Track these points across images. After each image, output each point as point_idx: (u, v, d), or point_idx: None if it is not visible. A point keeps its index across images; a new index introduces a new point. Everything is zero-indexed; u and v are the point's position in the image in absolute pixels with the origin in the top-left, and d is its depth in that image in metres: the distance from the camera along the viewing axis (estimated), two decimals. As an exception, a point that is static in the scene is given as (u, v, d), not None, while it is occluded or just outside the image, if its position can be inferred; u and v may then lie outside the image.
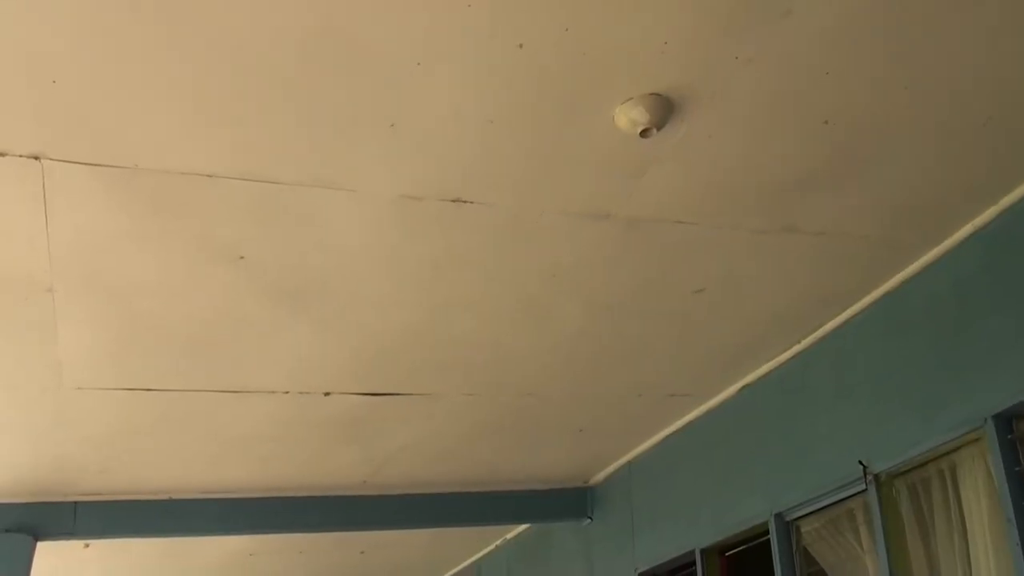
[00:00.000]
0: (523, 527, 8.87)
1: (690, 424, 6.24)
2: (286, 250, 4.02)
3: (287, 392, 5.43)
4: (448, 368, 5.31)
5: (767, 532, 5.33)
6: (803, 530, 5.19)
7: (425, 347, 5.01)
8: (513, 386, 5.63)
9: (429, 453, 6.63)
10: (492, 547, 9.65)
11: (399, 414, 5.84)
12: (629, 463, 7.03)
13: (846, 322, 4.90)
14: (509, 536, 9.23)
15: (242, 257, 4.05)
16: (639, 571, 6.67)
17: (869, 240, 4.26)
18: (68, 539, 6.81)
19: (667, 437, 6.51)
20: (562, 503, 7.63)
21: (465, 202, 3.74)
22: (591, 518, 7.54)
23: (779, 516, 5.25)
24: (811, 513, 5.10)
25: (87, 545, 7.68)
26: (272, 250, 4.01)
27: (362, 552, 9.65)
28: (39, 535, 6.48)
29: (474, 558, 10.14)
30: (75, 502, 6.65)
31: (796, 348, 5.24)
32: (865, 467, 4.62)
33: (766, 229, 4.09)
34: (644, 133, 3.28)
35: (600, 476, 7.46)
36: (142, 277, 4.19)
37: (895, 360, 4.56)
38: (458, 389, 5.60)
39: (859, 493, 4.72)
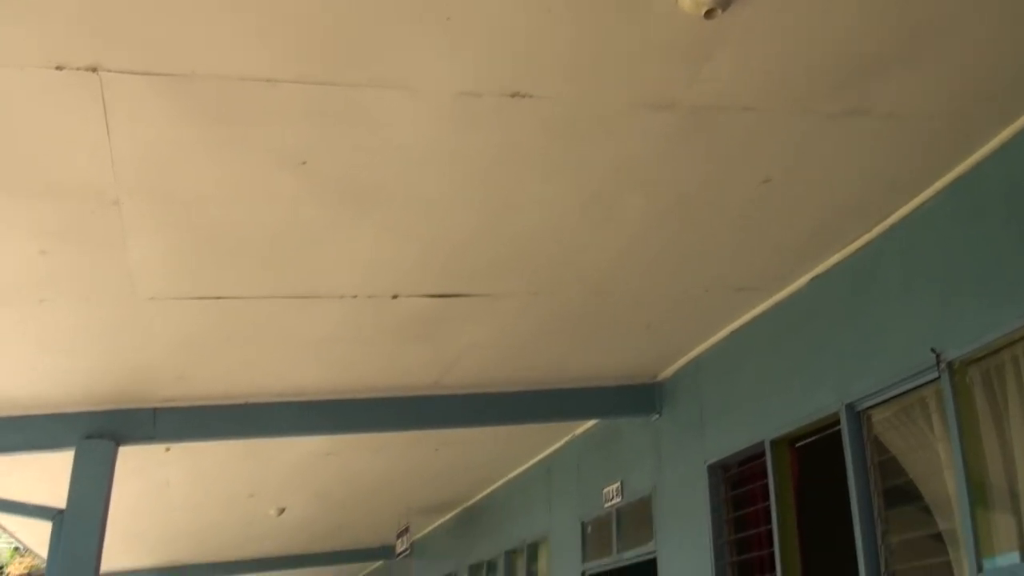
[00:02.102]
0: (592, 424, 8.96)
1: (758, 317, 6.19)
2: (347, 153, 4.00)
3: (355, 296, 5.48)
4: (513, 267, 5.30)
5: (838, 423, 5.31)
6: (874, 419, 5.15)
7: (489, 246, 5.00)
8: (578, 284, 5.61)
9: (498, 352, 6.68)
10: (562, 443, 9.78)
11: (466, 314, 5.88)
12: (697, 358, 7.02)
13: (918, 208, 4.78)
14: (578, 432, 9.33)
15: (304, 162, 4.05)
16: (708, 463, 6.71)
17: (942, 121, 4.12)
18: (149, 443, 7.04)
19: (735, 331, 6.47)
20: (630, 399, 7.67)
21: (524, 96, 3.67)
22: (660, 414, 7.57)
23: (850, 406, 5.22)
24: (883, 402, 5.06)
25: (168, 449, 7.93)
26: (333, 154, 4.00)
27: (436, 450, 9.85)
28: (121, 440, 6.71)
29: (544, 454, 10.29)
30: (154, 408, 6.85)
31: (866, 237, 5.13)
32: (938, 355, 4.55)
33: (834, 113, 3.97)
34: (709, 14, 3.18)
35: (668, 372, 7.47)
36: (206, 186, 4.22)
37: (968, 245, 4.45)
38: (524, 288, 5.60)
39: (932, 381, 4.66)
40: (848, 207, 4.86)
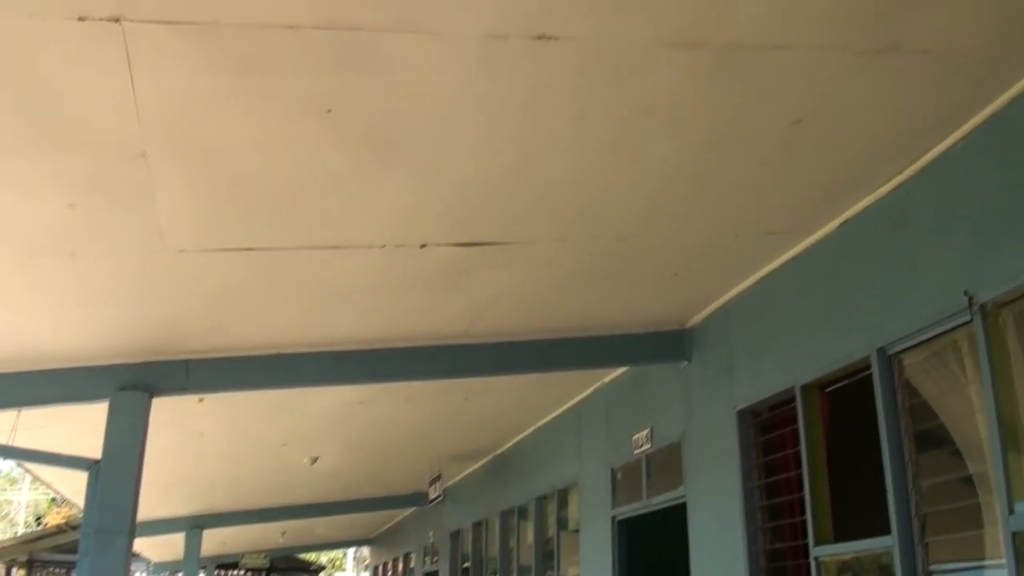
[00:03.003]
0: (621, 371, 8.97)
1: (789, 262, 6.13)
2: (373, 100, 3.98)
3: (383, 246, 5.48)
4: (541, 215, 5.27)
5: (869, 367, 5.28)
6: (905, 363, 5.12)
7: (516, 194, 4.97)
8: (607, 231, 5.58)
9: (526, 300, 6.68)
10: (591, 391, 9.81)
11: (494, 263, 5.87)
12: (726, 304, 6.99)
13: (950, 147, 4.70)
14: (607, 380, 9.35)
15: (329, 110, 4.03)
16: (738, 409, 6.71)
17: (975, 56, 4.02)
18: (182, 394, 7.12)
19: (765, 276, 6.43)
20: (659, 346, 7.67)
21: (550, 38, 3.61)
22: (689, 360, 7.57)
23: (881, 350, 5.18)
24: (914, 346, 5.02)
25: (201, 399, 8.03)
26: (359, 101, 3.98)
27: (466, 398, 9.90)
28: (154, 391, 6.80)
29: (573, 401, 10.33)
30: (187, 360, 6.91)
31: (898, 178, 5.06)
32: (971, 297, 4.50)
33: (866, 50, 3.88)
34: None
35: (697, 318, 7.45)
36: (232, 137, 4.21)
37: (1002, 184, 4.38)
38: (551, 236, 5.57)
39: (964, 324, 4.61)
40: (880, 147, 4.79)
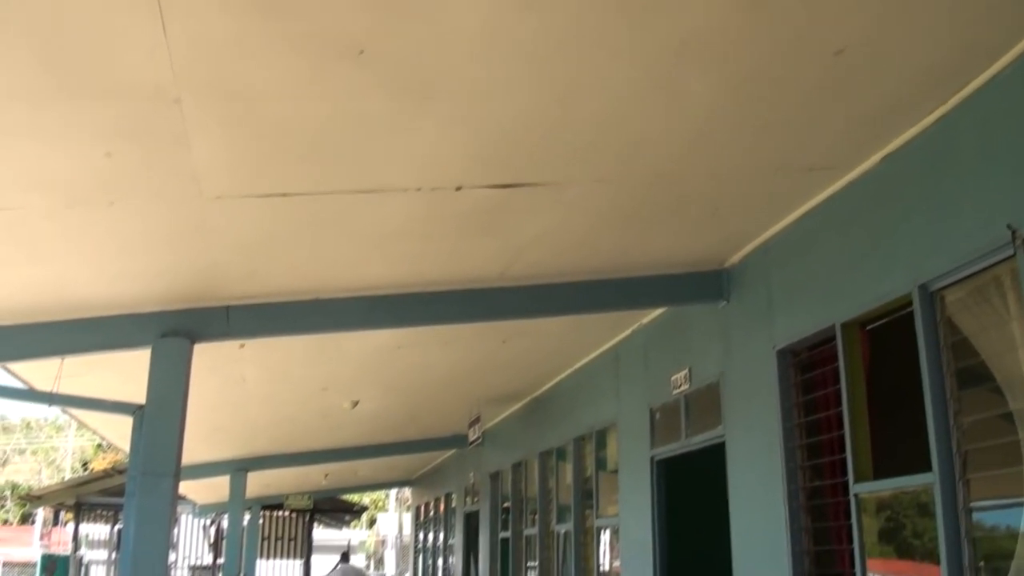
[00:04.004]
0: (659, 312, 8.94)
1: (829, 199, 6.05)
2: (405, 40, 3.94)
3: (419, 189, 5.47)
4: (577, 154, 5.23)
5: (910, 304, 5.22)
6: (947, 300, 5.06)
7: (552, 133, 4.92)
8: (644, 170, 5.53)
9: (563, 242, 6.65)
10: (629, 332, 9.79)
11: (530, 204, 5.84)
12: (766, 242, 6.92)
13: (995, 76, 4.57)
14: (645, 321, 9.33)
15: (362, 52, 4.00)
16: (777, 348, 6.67)
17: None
18: (223, 340, 7.19)
19: (805, 214, 6.34)
20: (698, 286, 7.62)
21: (585, -28, 3.56)
22: (727, 300, 7.52)
23: (923, 287, 5.11)
24: (956, 282, 4.95)
25: (242, 345, 8.11)
26: (391, 41, 3.94)
27: (504, 341, 9.93)
28: (196, 338, 6.87)
29: (611, 343, 10.33)
30: (227, 306, 6.98)
31: (942, 110, 4.95)
32: (1014, 231, 4.42)
33: (910, -24, 3.78)
34: None
35: (736, 257, 7.38)
36: (266, 81, 4.20)
37: (1049, 115, 4.28)
38: (588, 176, 5.53)
39: (1007, 259, 4.54)
40: (923, 78, 4.67)
